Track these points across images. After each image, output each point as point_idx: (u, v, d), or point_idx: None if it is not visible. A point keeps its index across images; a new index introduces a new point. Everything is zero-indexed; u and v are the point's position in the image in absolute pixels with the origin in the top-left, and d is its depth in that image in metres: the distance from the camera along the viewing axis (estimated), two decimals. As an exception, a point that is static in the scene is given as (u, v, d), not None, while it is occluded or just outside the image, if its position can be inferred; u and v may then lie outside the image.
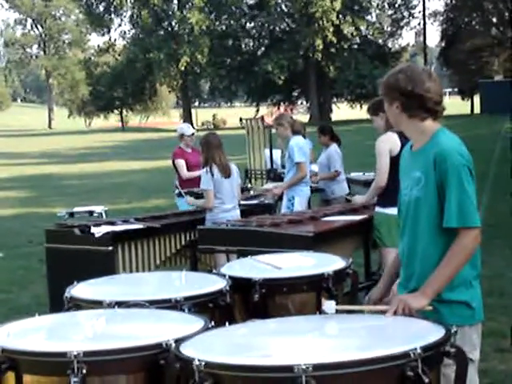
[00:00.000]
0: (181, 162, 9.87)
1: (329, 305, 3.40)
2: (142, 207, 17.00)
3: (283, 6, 61.83)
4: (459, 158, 3.44)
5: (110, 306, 3.73)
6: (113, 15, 67.75)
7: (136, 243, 7.25)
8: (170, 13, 64.13)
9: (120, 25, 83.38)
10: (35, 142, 50.57)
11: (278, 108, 63.61)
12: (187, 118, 64.80)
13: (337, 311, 3.40)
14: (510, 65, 53.05)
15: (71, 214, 9.43)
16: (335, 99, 66.53)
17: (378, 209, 6.70)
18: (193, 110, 68.30)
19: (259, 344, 3.06)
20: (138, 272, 7.04)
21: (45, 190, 22.47)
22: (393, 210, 6.48)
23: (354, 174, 11.76)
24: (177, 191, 10.09)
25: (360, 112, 56.53)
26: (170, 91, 70.63)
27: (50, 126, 79.43)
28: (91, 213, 9.61)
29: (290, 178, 9.12)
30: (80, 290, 4.08)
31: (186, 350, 2.97)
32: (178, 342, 3.07)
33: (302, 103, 70.90)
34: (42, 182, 25.26)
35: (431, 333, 2.94)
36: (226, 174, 7.91)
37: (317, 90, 60.43)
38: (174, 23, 63.50)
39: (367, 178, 11.10)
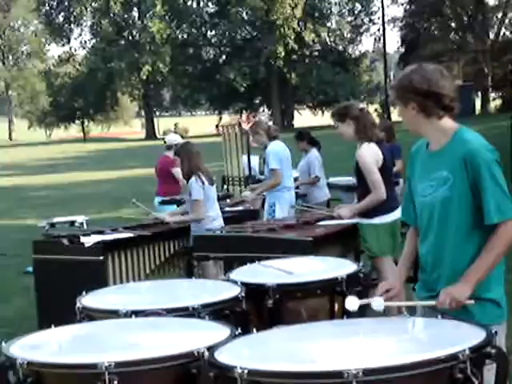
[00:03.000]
0: (179, 171, 9.89)
1: (377, 302, 3.34)
2: (114, 217, 16.75)
3: (244, 14, 61.72)
4: (489, 154, 3.44)
5: (127, 315, 3.63)
6: (72, 25, 67.08)
7: (126, 252, 7.12)
8: (131, 22, 63.73)
9: (80, 34, 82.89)
10: (-4, 155, 49.86)
11: (241, 116, 63.45)
12: (150, 127, 64.46)
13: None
14: (470, 69, 53.57)
15: (52, 225, 9.29)
16: (297, 106, 66.52)
17: (362, 220, 6.52)
18: (154, 120, 67.90)
19: (299, 350, 2.97)
20: (128, 281, 6.93)
21: (13, 202, 22.07)
22: (381, 219, 6.48)
23: (333, 179, 11.69)
24: (159, 200, 10.02)
25: (322, 118, 56.65)
26: (131, 101, 70.18)
27: (10, 138, 78.53)
28: (72, 223, 9.49)
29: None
30: (91, 300, 3.96)
31: (222, 357, 2.87)
32: (211, 349, 2.97)
33: (263, 110, 70.82)
34: (9, 193, 24.81)
35: (473, 334, 2.90)
36: (211, 181, 7.82)
37: (279, 97, 60.45)
38: (134, 32, 63.05)
39: (348, 182, 11.07)
